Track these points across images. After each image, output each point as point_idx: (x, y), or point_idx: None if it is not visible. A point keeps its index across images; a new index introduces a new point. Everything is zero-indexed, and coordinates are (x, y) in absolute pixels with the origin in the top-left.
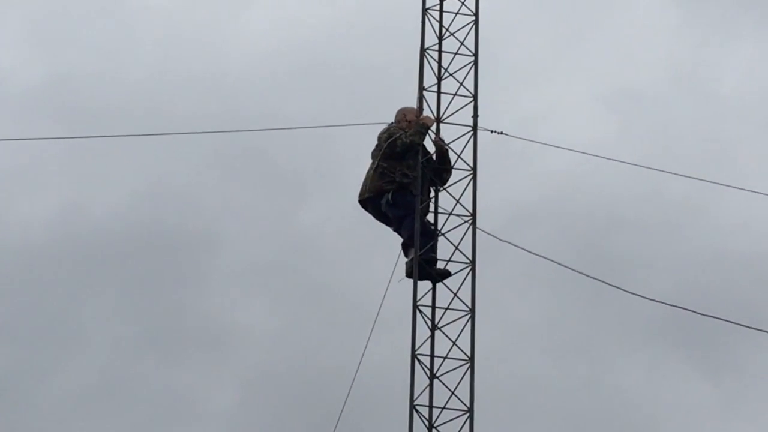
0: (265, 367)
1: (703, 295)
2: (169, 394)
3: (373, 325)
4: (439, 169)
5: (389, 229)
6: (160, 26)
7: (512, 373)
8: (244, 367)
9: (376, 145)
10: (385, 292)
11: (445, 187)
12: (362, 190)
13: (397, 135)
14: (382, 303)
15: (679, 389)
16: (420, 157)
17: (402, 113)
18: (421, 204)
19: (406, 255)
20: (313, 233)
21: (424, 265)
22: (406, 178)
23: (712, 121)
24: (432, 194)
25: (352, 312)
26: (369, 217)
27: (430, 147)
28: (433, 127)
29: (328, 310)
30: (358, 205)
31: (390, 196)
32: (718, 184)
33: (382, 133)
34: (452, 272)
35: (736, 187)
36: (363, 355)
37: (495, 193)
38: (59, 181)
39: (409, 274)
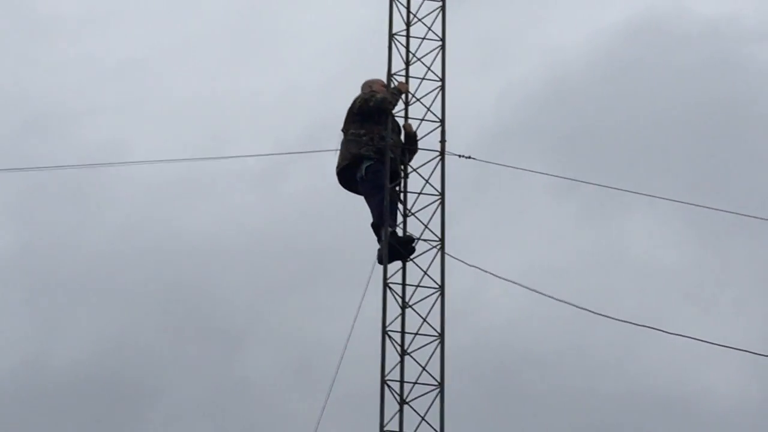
0: None
1: None
2: None
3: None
4: (406, 147)
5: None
6: (123, 207)
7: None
8: None
9: (345, 118)
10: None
11: (412, 166)
12: (339, 161)
13: (371, 95)
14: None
15: None
16: (390, 125)
17: (368, 85)
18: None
19: (377, 235)
20: (248, 378)
21: (394, 245)
22: (382, 141)
23: None
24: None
25: None
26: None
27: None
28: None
29: None
30: (336, 179)
31: (364, 170)
32: None
33: (355, 100)
34: (415, 238)
35: None
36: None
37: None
38: (23, 336)
39: (380, 261)
